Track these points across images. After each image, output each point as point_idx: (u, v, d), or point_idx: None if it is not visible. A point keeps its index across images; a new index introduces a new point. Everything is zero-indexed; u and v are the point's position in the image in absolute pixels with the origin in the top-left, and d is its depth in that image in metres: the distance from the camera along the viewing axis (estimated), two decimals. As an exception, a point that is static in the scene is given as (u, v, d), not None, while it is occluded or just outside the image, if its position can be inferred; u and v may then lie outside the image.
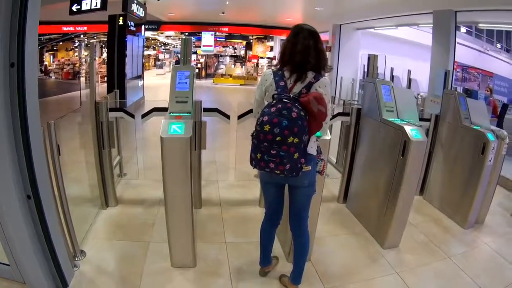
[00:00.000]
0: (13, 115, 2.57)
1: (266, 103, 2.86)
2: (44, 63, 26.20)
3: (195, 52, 29.38)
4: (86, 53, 21.53)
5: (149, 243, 4.11)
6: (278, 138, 2.61)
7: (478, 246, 4.34)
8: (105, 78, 13.56)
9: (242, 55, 31.47)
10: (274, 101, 2.73)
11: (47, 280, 3.12)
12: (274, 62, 28.37)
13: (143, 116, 4.63)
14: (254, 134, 2.77)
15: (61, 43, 27.64)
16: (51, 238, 3.02)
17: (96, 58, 22.54)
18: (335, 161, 6.17)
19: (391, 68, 7.63)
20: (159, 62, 35.36)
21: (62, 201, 3.41)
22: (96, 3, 9.96)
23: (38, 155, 2.78)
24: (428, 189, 5.48)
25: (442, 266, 3.86)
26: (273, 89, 2.91)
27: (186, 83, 3.85)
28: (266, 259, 3.59)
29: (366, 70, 4.95)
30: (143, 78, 15.58)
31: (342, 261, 3.93)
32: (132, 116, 4.81)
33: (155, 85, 17.56)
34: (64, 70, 24.78)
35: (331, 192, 5.61)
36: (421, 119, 5.08)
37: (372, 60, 4.89)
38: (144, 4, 14.64)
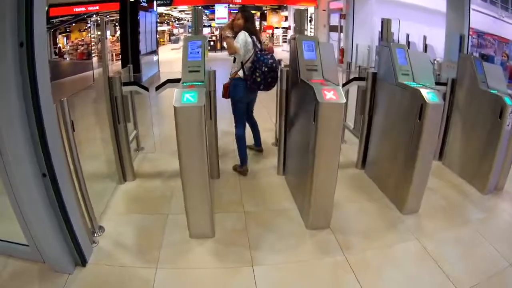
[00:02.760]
0: (25, 94, 2.55)
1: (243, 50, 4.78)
2: (58, 45, 26.18)
3: (210, 25, 29.28)
4: (98, 33, 21.49)
5: (167, 215, 4.12)
6: (273, 68, 4.76)
7: (497, 213, 4.28)
8: (120, 56, 13.51)
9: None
10: (261, 51, 4.83)
11: (66, 257, 3.13)
12: (290, 31, 28.24)
13: (157, 88, 4.60)
14: (259, 70, 4.72)
15: (73, 24, 27.59)
16: (69, 215, 3.02)
17: (109, 37, 22.53)
18: (352, 126, 6.11)
19: (407, 34, 7.52)
20: (173, 37, 35.32)
21: (79, 178, 3.41)
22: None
23: (52, 133, 2.76)
24: (447, 154, 5.40)
25: (462, 232, 3.80)
26: (250, 43, 4.83)
27: (198, 52, 3.83)
28: (246, 159, 5.29)
29: (380, 36, 4.85)
30: (158, 53, 15.55)
31: (361, 227, 3.91)
32: (146, 89, 4.79)
33: (170, 59, 17.53)
34: (78, 50, 24.76)
35: (349, 158, 5.56)
36: (437, 83, 4.99)
37: (386, 24, 4.79)
38: (155, -21, 14.55)
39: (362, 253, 3.49)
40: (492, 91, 4.56)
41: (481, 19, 14.32)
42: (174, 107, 3.11)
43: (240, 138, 5.12)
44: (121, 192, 4.70)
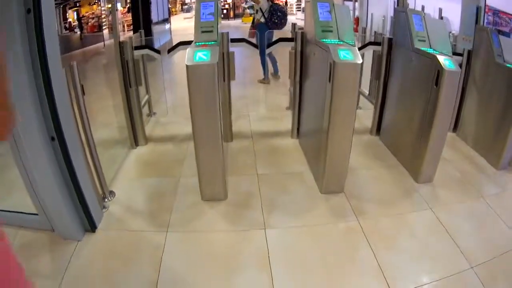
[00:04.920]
0: (33, 59, 2.50)
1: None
2: (68, 20, 26.18)
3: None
4: (109, 5, 21.46)
5: (179, 178, 4.10)
6: (285, 13, 7.72)
7: (510, 190, 4.17)
8: (131, 26, 13.48)
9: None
10: (273, 3, 7.83)
11: (75, 224, 3.12)
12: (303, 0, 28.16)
13: (169, 51, 4.55)
14: (275, 15, 7.50)
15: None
16: (78, 180, 2.99)
17: (120, 8, 22.48)
18: (367, 93, 6.04)
19: (422, 6, 7.42)
20: (185, 6, 35.19)
21: (89, 142, 3.37)
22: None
23: (61, 96, 2.71)
24: (462, 126, 5.31)
25: (475, 206, 3.73)
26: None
27: (210, 13, 3.77)
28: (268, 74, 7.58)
29: (396, 2, 4.77)
30: (170, 22, 15.51)
31: (375, 193, 3.86)
32: (158, 52, 4.75)
33: (183, 28, 17.44)
34: (89, 23, 24.74)
35: (363, 124, 5.50)
36: (454, 54, 4.90)
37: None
38: None
39: (376, 219, 3.45)
40: (508, 65, 4.45)
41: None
42: (187, 65, 3.04)
43: (263, 61, 7.70)
44: (132, 157, 4.69)
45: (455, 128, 5.37)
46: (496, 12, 14.16)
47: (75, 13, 27.38)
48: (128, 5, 13.06)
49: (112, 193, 3.81)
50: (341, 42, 3.61)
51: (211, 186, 3.62)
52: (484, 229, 3.35)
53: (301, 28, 4.70)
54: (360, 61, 3.29)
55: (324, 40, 3.73)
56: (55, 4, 2.60)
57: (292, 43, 4.71)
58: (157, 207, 3.63)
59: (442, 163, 4.08)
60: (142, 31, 5.49)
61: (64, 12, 26.59)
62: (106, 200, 3.67)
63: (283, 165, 4.36)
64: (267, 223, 3.37)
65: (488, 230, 3.35)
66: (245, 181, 4.05)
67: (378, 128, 5.21)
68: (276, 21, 7.63)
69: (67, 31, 25.38)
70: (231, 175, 4.04)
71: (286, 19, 7.81)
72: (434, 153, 3.92)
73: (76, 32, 24.68)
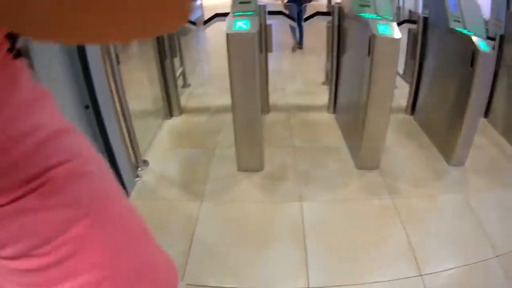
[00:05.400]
0: None
1: None
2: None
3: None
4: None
5: (214, 149, 4.12)
6: None
7: None
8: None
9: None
10: None
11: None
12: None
13: (205, 22, 4.55)
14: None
15: None
16: (112, 148, 3.02)
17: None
18: (402, 72, 5.98)
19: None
20: (217, -18, 35.04)
21: (124, 111, 3.39)
22: None
23: (95, 64, 2.72)
24: (493, 112, 5.24)
25: (505, 195, 3.62)
26: None
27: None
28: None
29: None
30: (201, -2, 15.51)
31: (409, 173, 3.82)
32: (194, 23, 4.74)
33: (214, 5, 17.38)
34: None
35: (398, 103, 5.43)
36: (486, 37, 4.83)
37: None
38: None
39: (408, 199, 3.43)
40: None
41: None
42: (227, 33, 3.04)
43: (293, 29, 8.40)
44: (167, 127, 4.71)
45: (486, 114, 5.30)
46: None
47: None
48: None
49: (145, 162, 3.83)
50: (380, 17, 3.57)
51: (247, 157, 3.64)
52: (511, 219, 3.32)
53: (338, 3, 4.64)
54: (399, 36, 3.25)
55: (362, 14, 3.69)
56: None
57: (329, 18, 4.65)
58: (192, 177, 3.65)
59: (473, 149, 4.02)
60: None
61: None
62: (139, 169, 3.69)
63: (319, 139, 4.36)
64: (302, 196, 3.37)
65: (514, 220, 3.33)
66: (281, 153, 4.05)
67: (412, 107, 5.14)
68: None
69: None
70: (267, 147, 4.01)
71: None
72: (467, 136, 3.85)
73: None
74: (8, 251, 0.62)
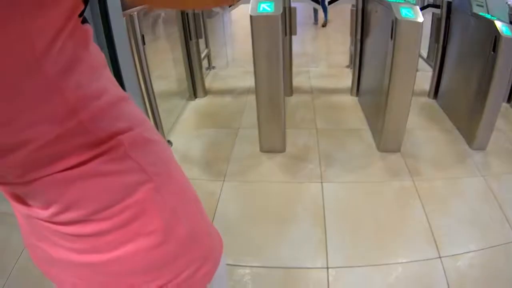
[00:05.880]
0: (92, 10, 2.54)
1: None
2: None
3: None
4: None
5: (237, 129, 4.16)
6: None
7: None
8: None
9: None
10: None
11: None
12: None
13: (230, 4, 4.57)
14: None
15: None
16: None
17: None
18: (426, 55, 5.96)
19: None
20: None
21: (148, 91, 3.44)
22: None
23: (121, 45, 2.76)
24: (515, 97, 5.20)
25: (526, 179, 3.69)
26: None
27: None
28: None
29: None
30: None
31: (430, 155, 3.83)
32: (220, 5, 4.77)
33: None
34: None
35: (421, 87, 5.40)
36: (510, 22, 4.79)
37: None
38: None
39: (430, 181, 3.44)
40: None
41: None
42: (250, 15, 3.06)
43: (316, 11, 8.95)
44: (191, 108, 4.76)
45: (509, 99, 5.26)
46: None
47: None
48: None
49: (169, 142, 3.89)
50: (403, 1, 3.57)
51: (270, 138, 3.67)
52: None
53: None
54: (421, 19, 3.25)
55: (384, -1, 3.70)
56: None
57: (353, 1, 4.65)
58: (214, 157, 3.70)
59: (495, 133, 4.00)
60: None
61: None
62: (163, 149, 3.74)
63: (342, 121, 4.37)
64: (324, 177, 3.40)
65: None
66: (304, 135, 4.07)
67: (436, 91, 5.12)
68: None
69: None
70: (290, 128, 4.03)
71: None
72: (488, 120, 3.84)
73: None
74: (68, 215, 0.66)
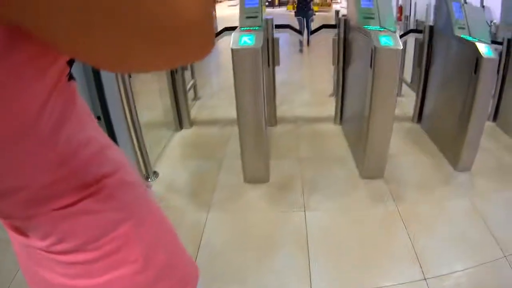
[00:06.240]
0: None
1: None
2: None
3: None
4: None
5: (222, 160, 4.19)
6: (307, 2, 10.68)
7: None
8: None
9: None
10: None
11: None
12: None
13: (215, 36, 4.64)
14: (297, 3, 10.84)
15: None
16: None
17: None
18: (409, 80, 6.03)
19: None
20: (230, -6, 35.33)
21: (134, 123, 3.48)
22: None
23: (108, 77, 2.81)
24: (502, 116, 5.25)
25: (512, 195, 3.73)
26: None
27: (255, -1, 3.81)
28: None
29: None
30: (215, 10, 15.65)
31: (414, 180, 3.87)
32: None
33: (227, 16, 17.47)
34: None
35: (405, 112, 5.49)
36: (494, 42, 4.86)
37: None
38: None
39: (414, 205, 3.47)
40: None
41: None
42: (232, 49, 3.13)
43: (300, 31, 8.45)
44: (177, 139, 4.80)
45: (495, 118, 5.32)
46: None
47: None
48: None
49: (155, 173, 3.93)
50: (383, 29, 3.64)
51: (253, 168, 3.71)
52: None
53: (344, 15, 4.71)
54: (400, 47, 3.32)
55: (366, 26, 3.76)
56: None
57: (335, 30, 4.74)
58: (200, 187, 3.73)
59: (481, 153, 4.05)
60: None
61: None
62: (149, 180, 3.79)
63: (325, 150, 4.41)
64: (307, 205, 3.43)
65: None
66: (288, 164, 4.11)
67: (419, 115, 5.19)
68: (301, 5, 10.78)
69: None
70: (274, 158, 4.10)
71: (308, 7, 10.77)
72: (472, 141, 3.90)
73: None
74: (63, 246, 0.73)
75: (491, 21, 7.83)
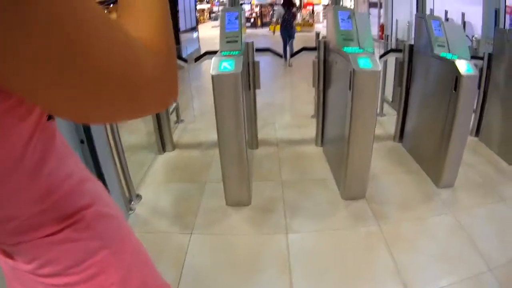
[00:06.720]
0: None
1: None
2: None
3: (250, 3, 29.36)
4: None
5: (205, 183, 4.20)
6: (289, 20, 12.08)
7: None
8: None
9: (297, 3, 30.45)
10: (288, 14, 12.06)
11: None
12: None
13: (196, 60, 4.69)
14: (282, 21, 12.22)
15: (111, 5, 27.93)
16: (106, 182, 3.10)
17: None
18: (391, 99, 6.09)
19: (445, 10, 7.39)
20: (213, 15, 35.47)
21: (117, 146, 3.50)
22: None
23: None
24: (484, 130, 5.31)
25: (497, 209, 3.73)
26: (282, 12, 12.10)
27: (235, 23, 3.86)
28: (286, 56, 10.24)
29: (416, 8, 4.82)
30: (198, 30, 15.72)
31: (396, 198, 3.89)
32: (185, 60, 4.86)
33: (211, 36, 17.52)
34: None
35: (387, 131, 5.54)
36: (475, 57, 4.93)
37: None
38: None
39: (396, 224, 3.49)
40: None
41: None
42: (212, 75, 3.16)
43: (284, 50, 10.97)
44: (160, 162, 4.80)
45: (477, 133, 5.37)
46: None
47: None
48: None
49: (138, 196, 3.92)
50: (361, 51, 3.68)
51: (235, 191, 3.72)
52: (504, 232, 3.37)
53: (324, 37, 4.76)
54: (379, 68, 3.36)
55: (345, 48, 3.80)
56: None
57: (315, 52, 4.78)
58: (183, 210, 3.74)
59: (464, 168, 4.11)
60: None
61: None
62: (132, 203, 3.78)
63: (306, 171, 4.43)
64: (289, 227, 3.44)
65: (508, 233, 3.36)
66: (269, 186, 4.12)
67: (401, 134, 5.23)
68: (285, 24, 12.05)
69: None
70: (256, 181, 4.13)
71: (290, 26, 12.17)
72: (454, 158, 3.95)
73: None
74: (46, 270, 0.79)
75: (473, 36, 7.92)
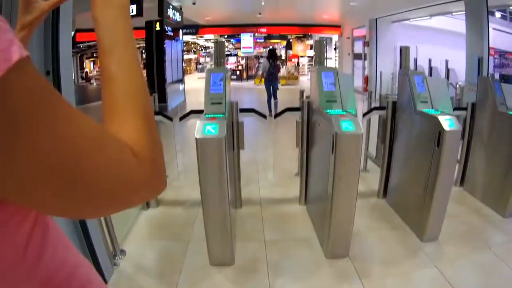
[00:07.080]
0: None
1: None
2: (85, 70, 26.87)
3: (236, 54, 29.61)
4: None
5: (188, 242, 4.19)
6: (274, 74, 12.86)
7: None
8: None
9: (282, 55, 30.75)
10: (273, 68, 12.75)
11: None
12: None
13: (181, 118, 4.73)
14: (266, 75, 12.85)
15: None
16: (91, 237, 3.15)
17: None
18: (374, 156, 6.15)
19: (429, 59, 7.55)
20: (200, 66, 35.71)
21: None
22: (132, 9, 10.04)
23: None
24: (469, 180, 5.38)
25: (482, 257, 3.79)
26: (267, 65, 12.73)
27: (220, 85, 3.93)
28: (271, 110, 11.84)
29: (400, 63, 4.91)
30: (184, 82, 15.77)
31: (380, 255, 3.92)
32: (170, 119, 4.91)
33: (197, 88, 17.63)
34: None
35: (371, 188, 5.59)
36: (457, 108, 5.03)
37: (404, 51, 4.84)
38: (180, 9, 14.85)
39: (380, 280, 3.51)
40: (511, 112, 4.58)
41: (502, 38, 14.08)
42: (196, 138, 3.23)
43: (268, 102, 12.37)
44: (144, 218, 4.81)
45: (461, 182, 5.43)
46: (502, 54, 14.12)
47: (92, 63, 27.89)
48: (143, 62, 13.33)
49: (123, 251, 3.93)
50: (344, 113, 3.76)
51: (218, 251, 3.72)
52: (490, 280, 3.43)
53: (308, 97, 4.82)
54: (361, 131, 3.44)
55: (328, 110, 3.89)
56: (72, 52, 2.88)
57: (299, 113, 4.86)
58: (167, 268, 3.73)
59: (448, 219, 4.14)
60: (156, 95, 5.66)
61: (81, 62, 27.10)
62: (117, 258, 3.78)
63: (290, 231, 4.45)
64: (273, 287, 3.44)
65: (494, 280, 3.42)
66: (253, 246, 4.13)
67: (384, 190, 5.28)
68: (271, 77, 12.71)
69: (84, 80, 25.91)
70: (239, 241, 4.13)
71: (275, 78, 12.89)
72: (438, 211, 4.00)
73: (93, 84, 25.15)
74: None
75: (456, 83, 8.06)
